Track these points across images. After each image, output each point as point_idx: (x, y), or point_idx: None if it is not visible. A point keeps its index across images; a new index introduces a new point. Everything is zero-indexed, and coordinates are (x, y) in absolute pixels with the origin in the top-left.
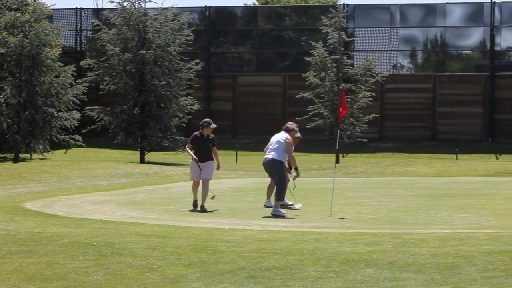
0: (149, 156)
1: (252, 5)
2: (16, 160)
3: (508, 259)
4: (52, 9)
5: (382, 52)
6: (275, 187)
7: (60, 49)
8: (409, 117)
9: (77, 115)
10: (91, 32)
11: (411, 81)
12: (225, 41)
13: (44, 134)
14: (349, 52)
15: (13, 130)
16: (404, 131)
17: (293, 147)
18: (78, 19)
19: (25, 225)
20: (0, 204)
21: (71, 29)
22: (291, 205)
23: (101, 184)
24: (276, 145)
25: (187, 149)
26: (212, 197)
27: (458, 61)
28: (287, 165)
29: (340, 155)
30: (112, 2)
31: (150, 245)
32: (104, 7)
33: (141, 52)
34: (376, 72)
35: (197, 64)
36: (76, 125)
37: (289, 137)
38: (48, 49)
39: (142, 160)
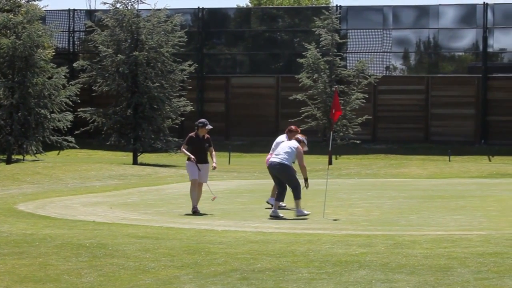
0: (142, 157)
1: (245, 6)
2: (8, 161)
3: (501, 261)
4: (45, 10)
5: (375, 53)
6: (291, 189)
7: (53, 50)
8: (402, 118)
9: (70, 116)
10: (84, 34)
11: (404, 82)
12: (218, 42)
13: (37, 135)
14: (342, 54)
15: (5, 131)
16: (397, 133)
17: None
18: (71, 21)
19: (18, 226)
20: None
21: (64, 30)
22: (284, 206)
23: (94, 186)
24: (286, 150)
25: (184, 150)
26: (213, 199)
27: (450, 62)
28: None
29: (333, 156)
30: (105, 3)
31: (143, 247)
32: (97, 8)
33: (134, 53)
34: (369, 74)
35: (190, 65)
36: (69, 126)
37: (300, 147)
38: (41, 51)
39: (135, 162)
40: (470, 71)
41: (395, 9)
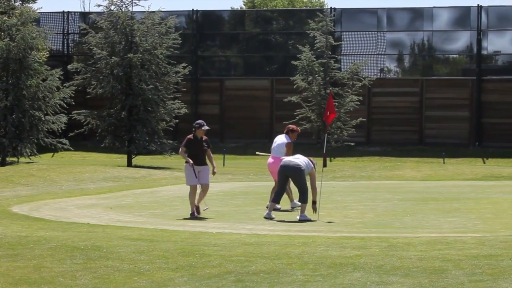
0: (137, 159)
1: (239, 9)
2: (3, 163)
3: (495, 263)
4: (39, 12)
5: (369, 56)
6: (299, 192)
7: (47, 52)
8: (396, 121)
9: (64, 118)
10: (78, 36)
11: (398, 85)
12: (212, 44)
13: (31, 137)
14: (336, 56)
15: (0, 133)
16: (391, 135)
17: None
18: (65, 23)
19: (12, 228)
20: None
21: (58, 32)
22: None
23: (88, 188)
24: (305, 160)
25: (182, 153)
26: (205, 209)
27: (445, 65)
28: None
29: (328, 159)
30: (99, 5)
31: (138, 249)
32: (91, 10)
33: (128, 55)
34: (363, 76)
35: (184, 67)
36: (63, 128)
37: (314, 169)
38: (35, 53)
39: (129, 164)
40: (464, 73)
41: (390, 11)
